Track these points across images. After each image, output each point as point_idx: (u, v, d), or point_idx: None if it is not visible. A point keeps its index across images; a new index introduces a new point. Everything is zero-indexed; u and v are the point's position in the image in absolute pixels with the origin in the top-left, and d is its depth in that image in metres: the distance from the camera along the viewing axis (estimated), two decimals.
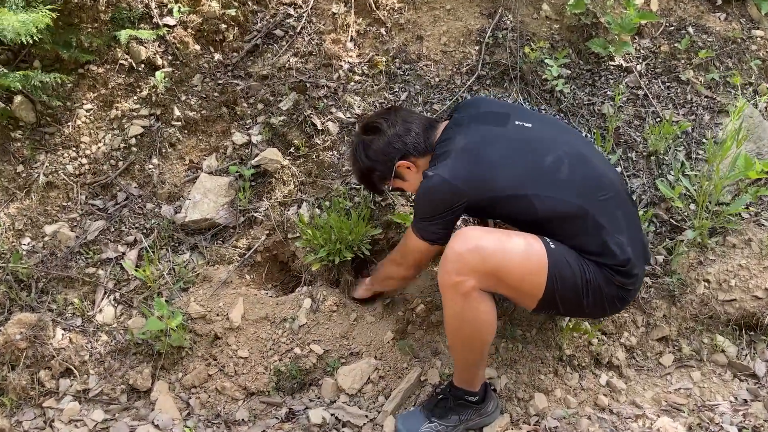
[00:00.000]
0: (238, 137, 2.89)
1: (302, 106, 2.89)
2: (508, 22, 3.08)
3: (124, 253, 2.68)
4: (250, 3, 3.06)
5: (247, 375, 2.45)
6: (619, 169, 2.87)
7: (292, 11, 3.08)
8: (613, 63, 3.10)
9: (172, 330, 2.39)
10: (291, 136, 2.87)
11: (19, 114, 2.78)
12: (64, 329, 2.52)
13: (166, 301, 2.54)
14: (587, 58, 3.09)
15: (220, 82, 2.98)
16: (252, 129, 2.92)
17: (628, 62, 3.10)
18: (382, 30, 3.07)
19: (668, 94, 3.06)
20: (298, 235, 2.70)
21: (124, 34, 2.82)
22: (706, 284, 2.66)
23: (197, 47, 2.99)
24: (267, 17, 3.08)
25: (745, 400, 2.45)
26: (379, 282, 2.57)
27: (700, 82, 3.09)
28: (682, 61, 3.13)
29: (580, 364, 2.54)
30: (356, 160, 2.30)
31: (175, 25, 2.97)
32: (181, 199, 2.81)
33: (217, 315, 2.52)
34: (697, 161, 2.89)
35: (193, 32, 2.99)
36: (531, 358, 2.49)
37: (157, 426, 2.31)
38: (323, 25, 3.05)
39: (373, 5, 3.06)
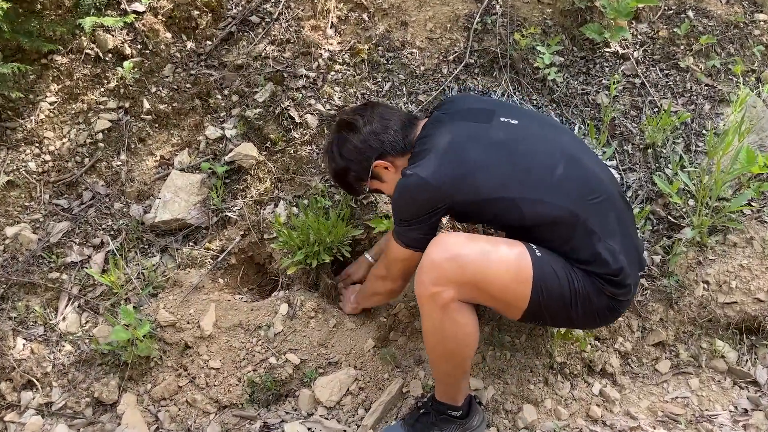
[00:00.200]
0: (212, 131, 2.73)
1: (279, 97, 2.72)
2: (498, 6, 2.90)
3: (89, 257, 2.53)
4: None
5: (219, 387, 2.31)
6: (614, 162, 2.72)
7: None
8: (608, 50, 2.93)
9: (138, 340, 2.25)
10: (267, 130, 2.71)
11: None
12: (25, 339, 2.38)
13: (134, 307, 2.40)
14: (581, 44, 2.92)
15: (192, 72, 2.81)
16: (226, 122, 2.75)
17: (624, 49, 2.93)
18: (365, 15, 2.90)
19: (666, 82, 2.89)
20: (274, 235, 2.55)
21: (88, 22, 2.64)
22: (705, 286, 2.52)
23: (168, 35, 2.82)
24: (242, 2, 2.90)
25: (746, 410, 2.32)
26: (365, 299, 2.41)
27: (701, 69, 2.92)
28: (682, 48, 2.96)
29: (571, 372, 2.41)
30: (330, 160, 2.14)
31: (144, 12, 2.80)
32: (151, 198, 2.65)
33: (188, 323, 2.38)
34: (696, 154, 2.74)
35: (163, 19, 2.82)
36: (520, 367, 2.36)
37: None
38: (302, 10, 2.86)
39: None
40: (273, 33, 2.83)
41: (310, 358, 2.37)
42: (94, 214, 2.60)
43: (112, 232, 2.58)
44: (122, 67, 2.72)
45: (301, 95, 2.72)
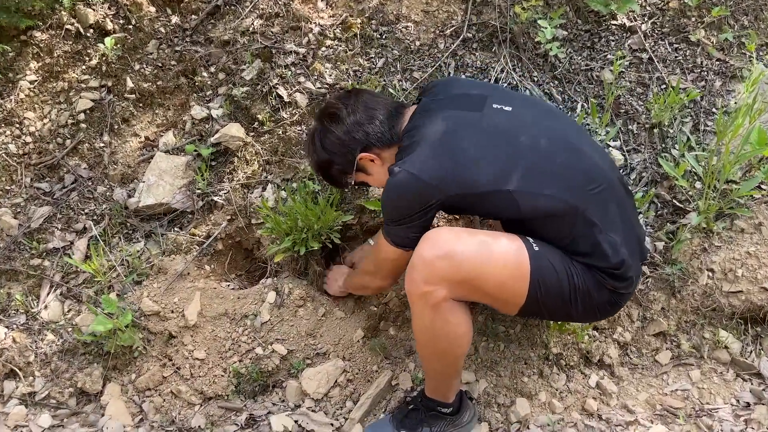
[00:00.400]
0: (198, 111, 2.62)
1: (267, 75, 2.60)
2: None
3: (72, 243, 2.46)
4: None
5: (204, 378, 2.25)
6: (618, 143, 2.59)
7: None
8: (615, 22, 2.77)
9: (120, 331, 2.19)
10: (255, 110, 2.59)
11: None
12: (6, 327, 2.33)
13: (117, 295, 2.34)
14: (586, 17, 2.76)
15: (177, 48, 2.69)
16: (212, 102, 2.64)
17: (632, 21, 2.77)
18: None
19: (676, 57, 2.74)
20: (262, 221, 2.46)
21: None
22: (710, 274, 2.41)
23: (152, 9, 2.70)
24: None
25: (748, 404, 2.24)
26: (353, 289, 2.33)
27: (712, 43, 2.76)
28: (693, 20, 2.79)
29: (567, 363, 2.33)
30: (312, 152, 2.02)
31: None
32: (135, 181, 2.56)
33: (172, 312, 2.31)
34: (705, 134, 2.60)
35: None
36: (514, 359, 2.28)
37: None
38: None
39: None
40: (261, 6, 2.70)
41: (298, 349, 2.30)
42: (77, 198, 2.52)
43: (95, 217, 2.50)
44: (104, 44, 2.61)
45: (290, 72, 2.60)
